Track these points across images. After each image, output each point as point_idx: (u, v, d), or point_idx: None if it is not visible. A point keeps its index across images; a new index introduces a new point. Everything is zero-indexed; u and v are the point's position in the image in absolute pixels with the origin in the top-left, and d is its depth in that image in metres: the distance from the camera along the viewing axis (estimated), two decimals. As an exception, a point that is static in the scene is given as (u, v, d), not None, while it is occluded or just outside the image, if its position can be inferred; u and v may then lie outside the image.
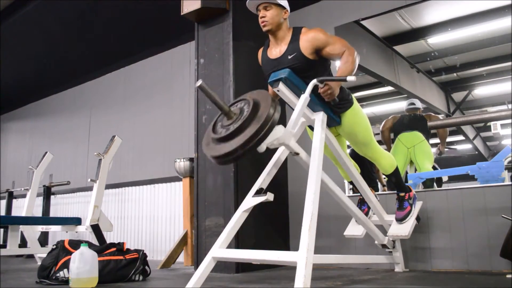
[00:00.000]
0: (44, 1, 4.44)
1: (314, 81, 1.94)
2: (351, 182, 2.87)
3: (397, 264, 2.73)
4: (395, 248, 2.67)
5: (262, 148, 1.70)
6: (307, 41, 2.06)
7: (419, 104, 3.42)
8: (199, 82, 1.68)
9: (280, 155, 2.13)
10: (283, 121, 3.63)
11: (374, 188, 3.14)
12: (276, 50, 2.14)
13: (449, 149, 3.25)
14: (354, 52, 2.06)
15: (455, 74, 3.35)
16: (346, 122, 2.25)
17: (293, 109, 2.19)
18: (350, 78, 1.87)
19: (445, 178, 3.28)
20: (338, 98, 2.14)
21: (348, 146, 2.71)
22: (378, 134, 3.57)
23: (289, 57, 2.07)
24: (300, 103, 1.92)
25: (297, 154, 1.98)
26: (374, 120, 3.59)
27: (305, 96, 1.92)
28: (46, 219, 4.46)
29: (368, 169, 3.30)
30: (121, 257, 2.60)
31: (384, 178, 3.56)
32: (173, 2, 3.52)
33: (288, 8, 2.15)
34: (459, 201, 2.81)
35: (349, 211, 2.31)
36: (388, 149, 3.57)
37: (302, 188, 1.88)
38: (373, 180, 3.45)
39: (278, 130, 1.77)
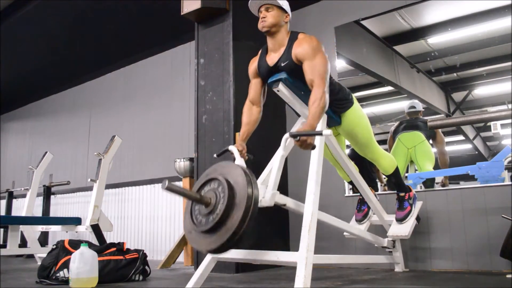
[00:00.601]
0: (44, 1, 4.44)
1: (286, 136, 1.85)
2: (350, 182, 2.87)
3: (397, 264, 2.73)
4: (395, 248, 2.67)
5: None
6: (296, 49, 1.97)
7: (419, 107, 3.41)
8: (164, 185, 1.48)
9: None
10: (283, 120, 3.64)
11: (374, 188, 3.14)
12: (274, 55, 2.06)
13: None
14: (324, 87, 1.87)
15: (455, 74, 3.34)
16: (346, 122, 2.24)
17: (293, 109, 2.19)
18: (326, 133, 1.73)
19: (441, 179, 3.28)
20: (339, 98, 2.14)
21: (348, 146, 2.71)
22: (378, 134, 3.57)
23: (282, 64, 2.00)
24: (277, 161, 1.91)
25: (284, 205, 1.92)
26: (374, 120, 3.59)
27: (280, 153, 1.92)
28: (46, 219, 4.46)
29: (368, 169, 3.29)
30: (121, 257, 2.60)
31: (384, 178, 3.55)
32: (173, 2, 3.52)
33: (289, 12, 2.09)
34: (459, 201, 2.81)
35: (342, 229, 2.30)
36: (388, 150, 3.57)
37: (302, 189, 1.88)
38: (373, 180, 3.45)
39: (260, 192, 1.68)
